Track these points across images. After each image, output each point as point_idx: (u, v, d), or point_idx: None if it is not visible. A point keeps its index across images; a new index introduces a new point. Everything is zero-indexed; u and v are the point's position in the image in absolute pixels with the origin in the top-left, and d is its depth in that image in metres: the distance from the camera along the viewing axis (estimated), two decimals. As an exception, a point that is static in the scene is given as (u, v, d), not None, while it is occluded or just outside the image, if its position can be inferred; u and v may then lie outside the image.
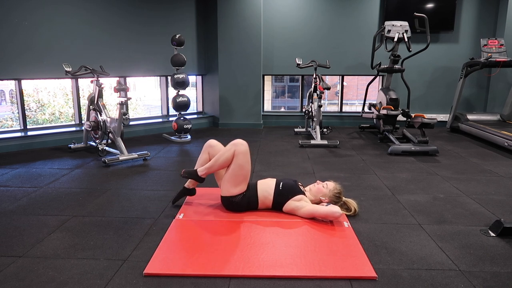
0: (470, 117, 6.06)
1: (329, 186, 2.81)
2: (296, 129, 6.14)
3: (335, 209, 2.59)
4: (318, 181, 2.92)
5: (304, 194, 2.77)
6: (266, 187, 2.80)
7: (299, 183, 2.88)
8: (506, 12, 6.25)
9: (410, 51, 5.44)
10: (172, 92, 5.75)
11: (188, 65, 6.01)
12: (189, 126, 5.57)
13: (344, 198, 2.82)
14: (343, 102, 7.25)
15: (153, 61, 6.07)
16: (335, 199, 2.77)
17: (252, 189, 2.78)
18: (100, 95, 4.58)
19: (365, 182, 3.62)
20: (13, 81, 4.99)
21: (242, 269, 2.03)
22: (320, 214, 2.63)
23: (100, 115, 4.49)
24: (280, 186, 2.78)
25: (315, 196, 2.81)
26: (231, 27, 6.43)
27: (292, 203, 2.71)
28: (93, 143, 4.75)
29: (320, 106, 5.27)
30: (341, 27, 6.69)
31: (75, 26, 5.16)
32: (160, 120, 6.39)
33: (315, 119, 5.42)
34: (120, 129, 4.33)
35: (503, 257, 2.21)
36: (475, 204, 3.04)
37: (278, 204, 2.76)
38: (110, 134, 4.40)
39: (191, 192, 2.99)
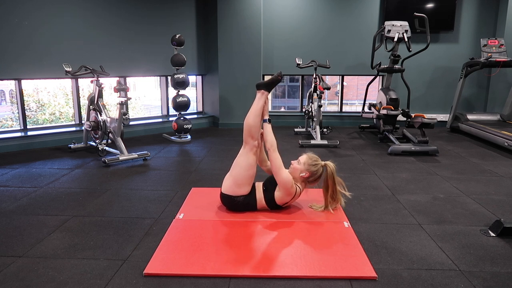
0: (470, 117, 6.06)
1: (302, 160, 2.78)
2: (296, 129, 6.14)
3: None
4: (292, 161, 2.88)
5: None
6: (260, 189, 2.82)
7: None
8: (506, 12, 6.25)
9: (410, 51, 5.44)
10: (172, 92, 5.75)
11: (188, 65, 6.00)
12: (189, 126, 5.57)
13: (323, 162, 2.79)
14: (343, 102, 7.25)
15: (153, 61, 6.07)
16: (314, 168, 2.74)
17: (252, 191, 2.79)
18: (100, 95, 4.58)
19: (365, 182, 3.62)
20: (13, 81, 4.99)
21: (242, 269, 2.04)
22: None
23: (100, 115, 4.49)
24: (264, 184, 2.81)
25: (295, 177, 2.78)
26: (231, 27, 6.43)
27: (277, 194, 2.73)
28: (93, 143, 4.75)
29: (320, 106, 5.27)
30: (341, 27, 6.69)
31: (75, 26, 5.16)
32: (160, 120, 6.39)
33: (315, 119, 5.42)
34: (120, 129, 4.33)
35: (503, 257, 2.21)
36: (475, 204, 3.04)
37: (270, 202, 2.77)
38: (110, 134, 4.40)
39: None
